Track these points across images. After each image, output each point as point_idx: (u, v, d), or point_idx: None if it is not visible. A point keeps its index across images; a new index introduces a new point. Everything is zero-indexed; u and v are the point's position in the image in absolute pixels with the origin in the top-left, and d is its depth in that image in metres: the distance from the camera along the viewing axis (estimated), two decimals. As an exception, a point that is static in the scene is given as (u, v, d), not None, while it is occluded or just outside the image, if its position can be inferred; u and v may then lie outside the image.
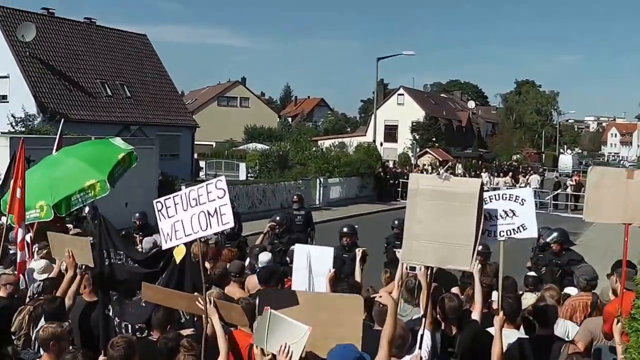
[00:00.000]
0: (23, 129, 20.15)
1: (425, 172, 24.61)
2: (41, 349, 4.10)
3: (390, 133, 53.80)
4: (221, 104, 58.29)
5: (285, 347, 3.28)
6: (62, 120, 10.73)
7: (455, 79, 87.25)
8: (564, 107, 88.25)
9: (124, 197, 13.19)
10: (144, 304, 4.66)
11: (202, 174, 32.62)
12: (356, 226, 8.68)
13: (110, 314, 4.79)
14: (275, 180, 23.20)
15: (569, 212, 25.45)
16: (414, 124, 52.46)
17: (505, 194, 4.45)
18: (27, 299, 5.36)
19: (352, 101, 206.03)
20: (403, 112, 53.81)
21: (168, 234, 4.11)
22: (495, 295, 5.16)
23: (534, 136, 73.73)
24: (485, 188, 7.85)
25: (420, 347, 4.02)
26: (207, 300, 3.91)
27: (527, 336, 4.60)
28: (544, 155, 66.02)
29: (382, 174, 28.61)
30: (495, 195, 4.44)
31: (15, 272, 5.63)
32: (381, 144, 42.94)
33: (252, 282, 6.08)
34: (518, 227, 4.34)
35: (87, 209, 9.26)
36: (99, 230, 4.90)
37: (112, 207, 9.51)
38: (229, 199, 3.90)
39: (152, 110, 28.99)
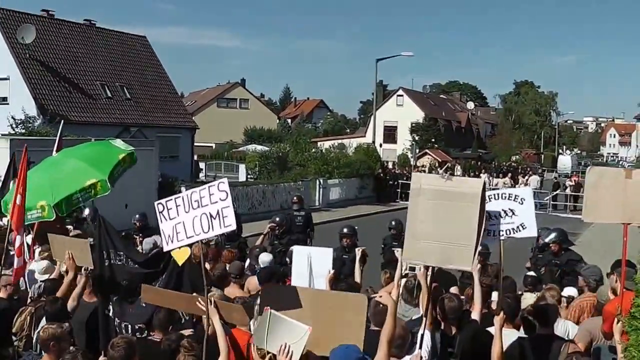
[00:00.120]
0: (23, 131, 20.15)
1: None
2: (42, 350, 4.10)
3: (390, 134, 53.80)
4: (221, 105, 58.28)
5: (285, 347, 3.29)
6: (62, 121, 10.74)
7: (454, 80, 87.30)
8: (563, 108, 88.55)
9: (124, 199, 13.20)
10: (143, 305, 4.68)
11: (201, 175, 32.64)
12: (356, 227, 8.69)
13: (110, 314, 4.80)
14: (274, 182, 23.21)
15: (568, 213, 25.47)
16: (413, 125, 52.47)
17: (505, 194, 4.47)
18: (29, 300, 5.37)
19: (352, 102, 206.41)
20: (402, 113, 53.81)
21: (169, 236, 4.11)
22: (495, 296, 5.18)
23: (533, 137, 73.77)
24: (485, 188, 7.84)
25: (420, 347, 4.03)
26: (208, 300, 3.92)
27: (526, 336, 4.61)
28: (543, 155, 66.04)
29: (382, 175, 28.61)
30: (494, 194, 4.46)
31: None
32: (380, 145, 42.93)
33: (253, 283, 6.08)
34: (517, 227, 4.36)
35: (87, 211, 9.27)
36: (99, 231, 4.91)
37: (112, 209, 9.53)
38: (231, 201, 3.90)
39: (151, 111, 28.99)
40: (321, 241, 8.77)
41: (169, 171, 20.73)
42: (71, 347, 4.10)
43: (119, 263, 4.91)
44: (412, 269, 4.73)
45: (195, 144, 31.96)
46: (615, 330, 3.94)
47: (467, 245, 3.89)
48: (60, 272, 5.58)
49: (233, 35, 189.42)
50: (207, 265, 6.26)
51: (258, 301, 4.23)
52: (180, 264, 4.44)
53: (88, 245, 5.02)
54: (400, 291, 5.22)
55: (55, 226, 6.56)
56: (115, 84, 28.04)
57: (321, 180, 24.55)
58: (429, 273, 4.29)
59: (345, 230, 8.40)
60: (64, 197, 5.54)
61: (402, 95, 56.34)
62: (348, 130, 68.17)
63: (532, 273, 7.22)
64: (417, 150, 41.11)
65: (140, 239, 8.57)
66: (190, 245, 4.26)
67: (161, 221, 4.17)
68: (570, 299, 6.03)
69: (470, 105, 69.51)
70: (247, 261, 7.33)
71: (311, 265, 5.20)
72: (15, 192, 5.44)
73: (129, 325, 4.74)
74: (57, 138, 8.21)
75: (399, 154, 47.01)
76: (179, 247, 4.15)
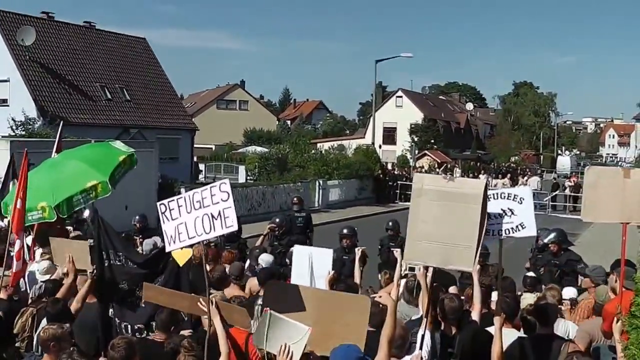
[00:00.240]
0: (23, 133, 20.16)
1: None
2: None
3: (389, 135, 53.82)
4: (220, 107, 58.32)
5: (285, 347, 3.30)
6: (61, 122, 10.74)
7: (453, 81, 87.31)
8: (562, 109, 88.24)
9: (124, 200, 13.22)
10: (143, 305, 4.69)
11: (201, 176, 32.67)
12: (356, 228, 8.70)
13: (110, 314, 4.81)
14: (274, 183, 23.24)
15: (567, 213, 25.49)
16: (413, 126, 52.50)
17: (504, 193, 4.48)
18: (29, 300, 5.38)
19: (351, 104, 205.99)
20: (401, 114, 53.85)
21: (171, 237, 4.11)
22: (495, 296, 5.18)
23: (532, 138, 73.81)
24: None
25: (420, 348, 4.04)
26: (210, 301, 3.93)
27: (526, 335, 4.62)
28: (542, 156, 66.09)
29: (381, 176, 28.63)
30: (494, 194, 4.47)
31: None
32: (380, 146, 42.93)
33: (254, 283, 6.10)
34: (517, 226, 4.37)
35: (87, 212, 9.27)
36: (98, 232, 4.93)
37: (112, 210, 9.54)
38: (232, 202, 3.91)
39: (151, 113, 29.00)
40: (320, 242, 8.77)
41: (169, 173, 20.75)
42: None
43: (118, 264, 4.92)
44: (412, 269, 4.74)
45: (195, 145, 31.98)
46: (614, 330, 3.94)
47: (468, 246, 3.90)
48: (61, 273, 5.59)
49: (232, 37, 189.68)
50: (207, 266, 6.27)
51: (259, 301, 4.24)
52: (181, 264, 4.45)
53: (88, 248, 5.02)
54: (401, 291, 5.24)
55: (55, 227, 6.57)
56: (115, 85, 28.06)
57: (321, 182, 24.56)
58: (429, 273, 4.30)
59: (345, 231, 8.42)
60: (64, 199, 5.54)
61: (401, 97, 56.39)
62: (347, 132, 68.17)
63: (531, 273, 7.23)
64: (417, 151, 41.20)
65: (141, 240, 8.59)
66: (190, 246, 4.27)
67: (163, 222, 4.17)
68: (573, 301, 6.04)
69: (470, 106, 69.55)
70: (247, 262, 7.34)
71: (312, 265, 5.21)
72: (16, 196, 5.45)
73: (129, 326, 4.76)
74: (57, 139, 8.21)
75: (399, 155, 47.05)
76: (181, 248, 4.16)
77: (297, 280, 5.22)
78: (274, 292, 3.86)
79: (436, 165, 41.78)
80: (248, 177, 29.04)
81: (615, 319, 3.96)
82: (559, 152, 69.62)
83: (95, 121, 25.68)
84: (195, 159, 32.79)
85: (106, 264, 4.91)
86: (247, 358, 3.99)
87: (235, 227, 3.97)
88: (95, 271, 4.93)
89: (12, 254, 5.81)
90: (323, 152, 29.43)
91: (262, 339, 3.40)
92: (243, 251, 8.55)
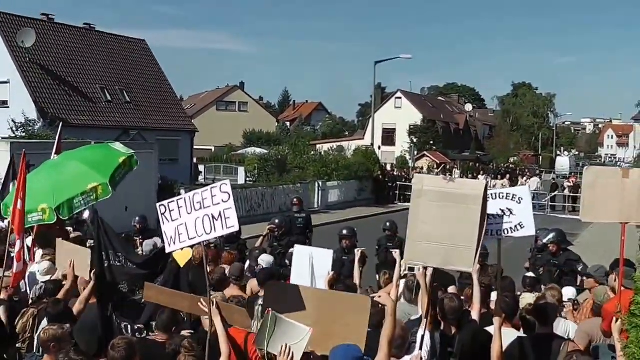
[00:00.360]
0: (23, 134, 20.16)
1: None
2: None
3: (388, 136, 53.86)
4: (220, 108, 58.34)
5: (286, 348, 3.31)
6: (61, 123, 10.74)
7: (452, 82, 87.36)
8: (561, 109, 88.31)
9: (124, 202, 13.21)
10: (143, 305, 4.70)
11: (201, 178, 32.67)
12: (355, 229, 8.72)
13: (110, 314, 4.82)
14: (274, 184, 23.26)
15: (566, 214, 25.52)
16: (412, 127, 52.54)
17: (503, 193, 4.50)
18: (30, 301, 5.38)
19: (350, 105, 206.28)
20: (401, 115, 53.90)
21: (172, 237, 4.11)
22: (494, 296, 5.20)
23: (531, 138, 73.89)
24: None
25: (420, 348, 4.05)
26: (211, 302, 3.93)
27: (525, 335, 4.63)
28: (541, 157, 66.13)
29: (380, 177, 28.65)
30: (492, 194, 4.48)
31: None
32: (379, 148, 42.97)
33: (254, 284, 6.10)
34: (516, 226, 4.38)
35: (87, 213, 9.28)
36: (98, 233, 4.94)
37: (112, 212, 9.55)
38: (233, 203, 3.91)
39: (151, 115, 29.01)
40: (320, 243, 8.77)
41: (169, 174, 20.76)
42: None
43: (118, 264, 4.94)
44: (412, 269, 4.75)
45: (195, 147, 31.98)
46: (614, 329, 3.95)
47: (468, 247, 3.91)
48: (60, 276, 5.60)
49: (232, 38, 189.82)
50: (207, 267, 6.28)
51: (260, 301, 4.25)
52: (182, 265, 4.46)
53: (89, 255, 5.01)
54: (401, 291, 5.25)
55: (55, 228, 6.58)
56: (114, 87, 28.07)
57: (320, 183, 24.58)
58: (428, 273, 4.31)
59: (344, 231, 8.43)
60: (65, 200, 5.55)
61: (400, 98, 56.44)
62: (347, 133, 68.23)
63: (531, 274, 7.24)
64: (416, 152, 41.22)
65: (141, 241, 8.59)
66: (191, 247, 4.28)
67: (163, 223, 4.17)
68: (574, 302, 6.05)
69: (469, 107, 69.62)
70: (247, 263, 7.35)
71: (312, 265, 5.22)
72: (16, 197, 5.46)
73: (128, 326, 4.77)
74: (57, 140, 8.22)
75: (398, 156, 47.11)
76: (181, 249, 4.17)
77: (297, 280, 5.23)
78: (274, 292, 3.86)
79: (435, 166, 41.80)
80: (247, 179, 29.02)
81: (615, 318, 3.97)
82: (558, 152, 69.67)
83: (95, 123, 25.68)
84: (195, 160, 32.80)
85: (106, 265, 4.92)
86: (247, 357, 4.00)
87: (236, 228, 3.98)
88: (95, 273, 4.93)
89: (12, 255, 5.82)
90: (322, 153, 29.43)
91: (264, 339, 3.41)
92: (243, 252, 8.56)
